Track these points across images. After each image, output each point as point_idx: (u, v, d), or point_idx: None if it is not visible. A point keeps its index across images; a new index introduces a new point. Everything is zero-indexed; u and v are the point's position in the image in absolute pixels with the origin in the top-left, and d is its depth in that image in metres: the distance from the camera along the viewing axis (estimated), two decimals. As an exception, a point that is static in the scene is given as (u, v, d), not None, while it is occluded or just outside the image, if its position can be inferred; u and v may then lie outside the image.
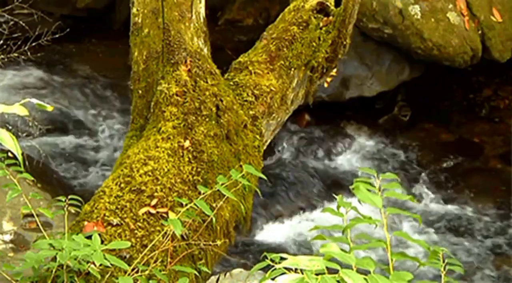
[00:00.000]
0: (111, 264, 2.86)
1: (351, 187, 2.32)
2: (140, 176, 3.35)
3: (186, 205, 3.07)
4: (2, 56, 5.01)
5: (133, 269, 2.99)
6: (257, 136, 3.74)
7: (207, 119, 3.55)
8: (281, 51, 3.94)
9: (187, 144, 3.45)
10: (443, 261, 2.38)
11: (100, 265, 2.88)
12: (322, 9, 4.06)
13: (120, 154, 3.70)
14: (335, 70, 4.17)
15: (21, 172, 3.13)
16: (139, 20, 3.92)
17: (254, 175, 3.45)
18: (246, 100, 3.79)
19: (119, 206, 3.27)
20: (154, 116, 3.59)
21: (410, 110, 6.79)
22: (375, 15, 6.25)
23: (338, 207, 2.41)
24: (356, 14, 4.01)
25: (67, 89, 6.80)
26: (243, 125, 3.68)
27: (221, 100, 3.62)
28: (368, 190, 2.29)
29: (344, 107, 6.62)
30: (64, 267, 2.93)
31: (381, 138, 6.52)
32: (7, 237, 4.19)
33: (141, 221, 3.23)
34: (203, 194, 3.14)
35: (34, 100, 2.04)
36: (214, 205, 3.29)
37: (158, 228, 3.22)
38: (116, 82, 6.87)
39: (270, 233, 5.53)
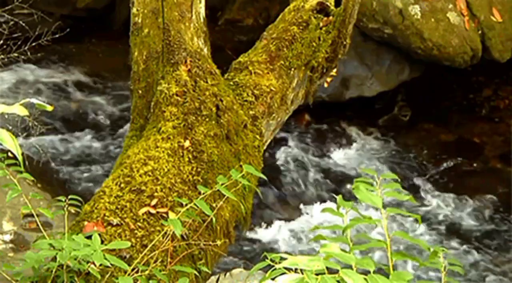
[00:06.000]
0: (111, 264, 2.86)
1: (351, 187, 2.32)
2: (140, 176, 3.35)
3: (186, 205, 3.07)
4: (2, 56, 5.01)
5: (133, 269, 2.99)
6: (257, 136, 3.74)
7: (207, 119, 3.55)
8: (281, 51, 3.94)
9: (187, 144, 3.45)
10: (443, 261, 2.38)
11: (100, 265, 2.88)
12: (322, 9, 4.06)
13: (120, 154, 3.70)
14: (335, 70, 4.17)
15: (21, 172, 3.13)
16: (139, 20, 3.92)
17: (254, 175, 3.45)
18: (246, 100, 3.79)
19: (119, 206, 3.27)
20: (154, 116, 3.59)
21: (410, 110, 6.79)
22: (375, 15, 6.25)
23: (338, 207, 2.41)
24: (356, 14, 4.01)
25: (67, 89, 6.80)
26: (243, 125, 3.68)
27: (221, 100, 3.62)
28: (368, 190, 2.29)
29: (344, 107, 6.62)
30: (64, 267, 2.93)
31: (381, 138, 6.52)
32: (7, 237, 4.19)
33: (141, 221, 3.23)
34: (203, 194, 3.14)
35: (34, 100, 2.04)
36: (214, 205, 3.29)
37: (158, 228, 3.22)
38: (116, 82, 6.87)
39: (270, 233, 5.53)
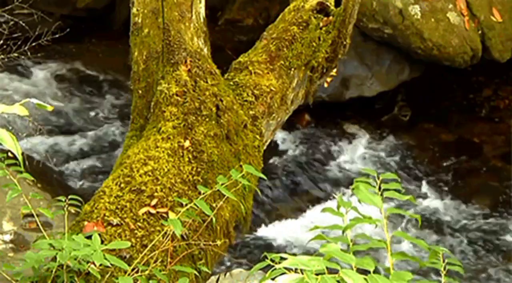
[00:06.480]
0: (111, 264, 2.86)
1: (351, 187, 2.32)
2: (140, 176, 3.35)
3: (186, 205, 3.07)
4: (2, 56, 5.01)
5: (133, 269, 2.99)
6: (257, 136, 3.74)
7: (207, 119, 3.55)
8: (281, 51, 3.94)
9: (187, 144, 3.45)
10: (443, 261, 2.38)
11: (100, 265, 2.88)
12: (322, 9, 4.06)
13: (120, 154, 3.70)
14: (335, 70, 4.17)
15: (21, 172, 3.13)
16: (139, 20, 3.92)
17: (254, 175, 3.45)
18: (246, 100, 3.79)
19: (119, 206, 3.27)
20: (154, 116, 3.59)
21: (410, 110, 6.79)
22: (375, 15, 6.25)
23: (338, 207, 2.41)
24: (356, 14, 4.01)
25: (67, 89, 6.80)
26: (243, 125, 3.68)
27: (221, 100, 3.62)
28: (368, 190, 2.29)
29: (344, 107, 6.62)
30: (64, 267, 2.93)
31: (381, 139, 6.52)
32: (7, 237, 4.19)
33: (141, 221, 3.23)
34: (203, 194, 3.14)
35: (34, 100, 2.04)
36: (214, 205, 3.29)
37: (158, 228, 3.22)
38: (116, 82, 6.87)
39: (270, 233, 5.53)
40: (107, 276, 3.03)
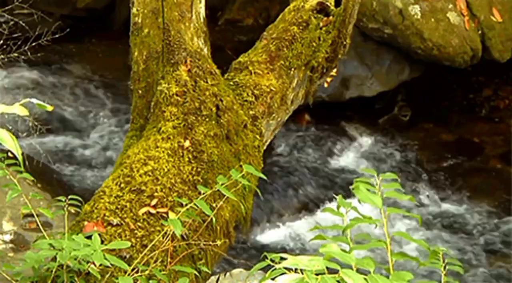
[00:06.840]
0: (111, 264, 2.86)
1: (351, 187, 2.32)
2: (140, 176, 3.35)
3: (186, 205, 3.07)
4: (2, 56, 5.00)
5: (133, 269, 2.99)
6: (257, 136, 3.74)
7: (207, 119, 3.55)
8: (281, 51, 3.94)
9: (187, 144, 3.45)
10: (443, 261, 2.38)
11: (100, 265, 2.88)
12: (322, 9, 4.06)
13: (120, 154, 3.70)
14: (335, 70, 4.17)
15: (21, 172, 3.13)
16: (139, 20, 3.92)
17: (254, 175, 3.45)
18: (246, 100, 3.79)
19: (119, 206, 3.27)
20: (154, 116, 3.59)
21: (410, 110, 6.79)
22: (375, 15, 6.25)
23: (338, 207, 2.41)
24: (356, 14, 4.01)
25: (67, 89, 6.80)
26: (243, 125, 3.68)
27: (221, 100, 3.62)
28: (368, 190, 2.29)
29: (344, 107, 6.62)
30: (64, 267, 2.93)
31: (381, 138, 6.52)
32: (7, 237, 4.19)
33: (141, 221, 3.24)
34: (203, 194, 3.14)
35: (34, 100, 2.04)
36: (214, 205, 3.29)
37: (158, 228, 3.22)
38: (116, 82, 6.86)
39: (270, 233, 5.53)
40: (107, 276, 3.03)
